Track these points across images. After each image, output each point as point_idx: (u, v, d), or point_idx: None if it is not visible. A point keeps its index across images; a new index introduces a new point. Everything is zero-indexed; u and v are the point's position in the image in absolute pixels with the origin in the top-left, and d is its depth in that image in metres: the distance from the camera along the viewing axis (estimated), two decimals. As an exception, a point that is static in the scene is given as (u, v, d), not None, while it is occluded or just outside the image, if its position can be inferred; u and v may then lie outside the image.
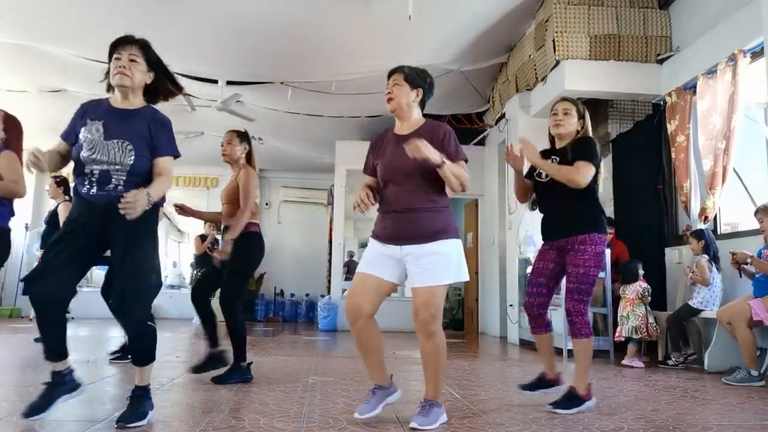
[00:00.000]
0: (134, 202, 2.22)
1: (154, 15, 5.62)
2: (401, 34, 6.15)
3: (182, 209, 3.85)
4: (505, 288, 7.30)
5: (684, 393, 3.52)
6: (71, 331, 6.11)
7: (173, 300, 10.51)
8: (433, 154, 2.41)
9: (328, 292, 9.62)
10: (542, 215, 3.14)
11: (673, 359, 4.75)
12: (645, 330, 4.91)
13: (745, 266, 4.29)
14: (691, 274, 4.75)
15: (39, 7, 5.53)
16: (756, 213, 4.31)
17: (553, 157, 3.06)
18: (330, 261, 10.19)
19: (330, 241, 10.18)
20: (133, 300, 2.39)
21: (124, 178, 2.41)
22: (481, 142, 8.78)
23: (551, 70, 6.02)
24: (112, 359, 4.36)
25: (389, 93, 2.63)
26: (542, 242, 3.13)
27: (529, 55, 6.43)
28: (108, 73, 2.51)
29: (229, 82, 7.29)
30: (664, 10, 5.84)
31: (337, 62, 6.80)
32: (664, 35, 5.78)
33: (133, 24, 5.79)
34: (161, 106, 2.69)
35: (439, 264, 2.48)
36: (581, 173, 2.87)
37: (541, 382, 3.08)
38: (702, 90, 5.03)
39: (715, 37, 4.98)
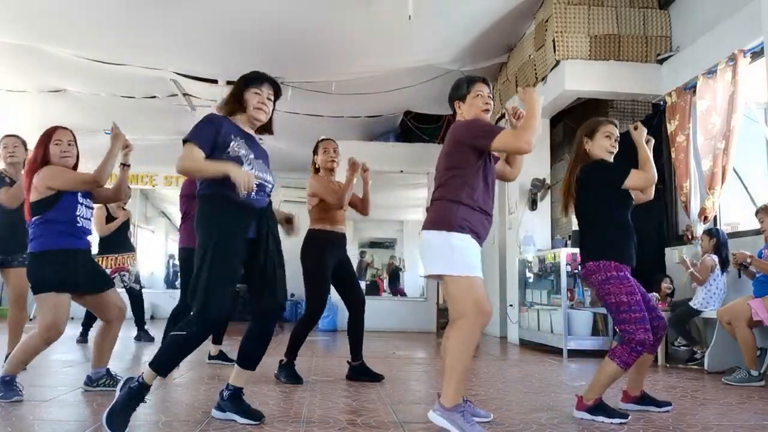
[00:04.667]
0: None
1: (154, 15, 5.61)
2: (401, 34, 6.14)
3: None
4: (505, 288, 7.29)
5: (684, 393, 3.53)
6: (73, 331, 6.10)
7: (175, 300, 10.46)
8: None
9: (328, 293, 9.59)
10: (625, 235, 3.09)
11: (677, 343, 4.78)
12: None
13: (745, 266, 4.28)
14: (692, 269, 4.67)
15: (39, 7, 5.53)
16: (756, 213, 4.31)
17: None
18: (330, 261, 10.17)
19: (330, 241, 10.16)
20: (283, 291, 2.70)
21: (269, 193, 2.64)
22: (481, 142, 8.77)
23: (551, 70, 6.01)
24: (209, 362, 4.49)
25: (488, 104, 2.77)
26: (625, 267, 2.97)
27: (529, 55, 6.43)
28: (238, 96, 2.55)
29: (229, 82, 7.28)
30: (664, 10, 5.84)
31: (337, 62, 6.79)
32: (664, 35, 5.78)
33: (134, 24, 5.82)
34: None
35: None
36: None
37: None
38: (702, 90, 5.03)
39: (715, 37, 4.97)
